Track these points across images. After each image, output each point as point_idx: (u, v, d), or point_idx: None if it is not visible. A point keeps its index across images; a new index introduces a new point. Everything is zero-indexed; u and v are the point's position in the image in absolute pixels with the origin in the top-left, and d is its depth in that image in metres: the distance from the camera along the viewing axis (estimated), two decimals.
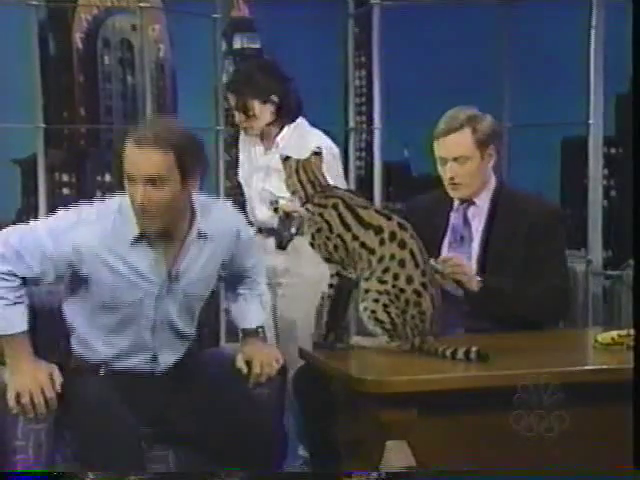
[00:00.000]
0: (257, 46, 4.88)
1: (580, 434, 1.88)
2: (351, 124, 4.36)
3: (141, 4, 4.12)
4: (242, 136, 2.93)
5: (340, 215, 2.09)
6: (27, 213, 4.80)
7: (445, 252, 2.36)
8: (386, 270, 2.06)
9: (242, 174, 2.94)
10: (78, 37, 5.08)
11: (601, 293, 3.56)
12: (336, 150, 2.85)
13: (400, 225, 2.09)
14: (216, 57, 4.24)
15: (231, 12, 4.72)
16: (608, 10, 3.45)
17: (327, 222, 2.09)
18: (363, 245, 2.07)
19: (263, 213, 2.79)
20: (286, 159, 2.21)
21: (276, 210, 2.71)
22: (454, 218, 2.38)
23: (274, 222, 2.74)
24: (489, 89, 3.81)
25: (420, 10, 4.19)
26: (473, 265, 2.32)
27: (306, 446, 2.52)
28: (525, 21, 3.80)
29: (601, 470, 1.86)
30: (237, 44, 4.89)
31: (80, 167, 5.28)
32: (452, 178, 2.32)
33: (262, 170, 2.82)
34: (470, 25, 4.02)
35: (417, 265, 2.07)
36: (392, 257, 2.05)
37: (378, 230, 2.06)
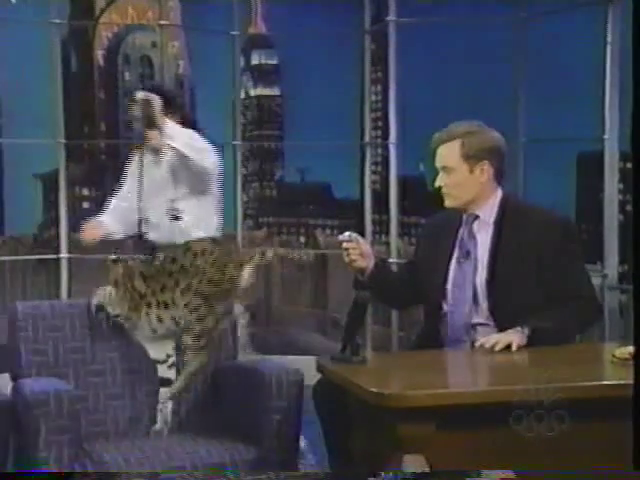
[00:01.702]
0: (275, 62, 4.94)
1: (596, 447, 1.88)
2: (367, 139, 4.40)
3: (161, 22, 4.20)
4: (133, 151, 2.95)
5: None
6: (48, 226, 4.87)
7: (453, 267, 2.38)
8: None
9: (129, 188, 2.95)
10: (99, 54, 5.15)
11: (617, 307, 3.55)
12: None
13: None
14: (234, 73, 4.31)
15: (248, 29, 4.79)
16: (624, 26, 3.47)
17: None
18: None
19: (157, 218, 2.85)
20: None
21: (176, 218, 2.81)
22: (461, 233, 2.41)
23: (174, 233, 2.80)
24: (505, 104, 3.83)
25: (435, 26, 4.23)
26: (482, 278, 2.34)
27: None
28: (541, 37, 3.82)
29: (601, 470, 1.85)
30: (255, 60, 4.95)
31: (100, 181, 5.34)
32: (440, 187, 2.38)
33: (156, 181, 2.87)
34: (485, 41, 4.05)
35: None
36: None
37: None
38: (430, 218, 2.62)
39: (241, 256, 2.32)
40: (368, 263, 2.35)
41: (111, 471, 2.15)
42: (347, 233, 2.36)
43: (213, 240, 2.38)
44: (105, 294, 2.41)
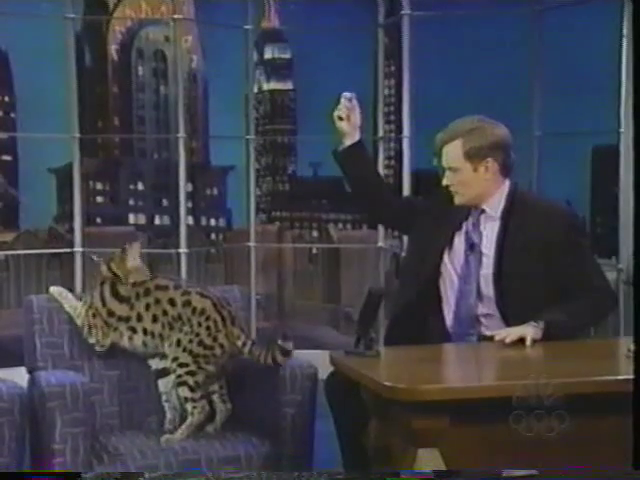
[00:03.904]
0: (288, 56, 4.94)
1: (611, 441, 1.88)
2: (380, 133, 4.39)
3: (174, 16, 4.20)
4: None
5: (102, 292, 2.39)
6: (62, 220, 4.90)
7: (460, 259, 2.38)
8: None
9: None
10: (113, 49, 5.18)
11: (633, 302, 3.53)
12: None
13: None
14: (247, 67, 4.31)
15: (262, 23, 4.79)
16: None
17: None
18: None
19: None
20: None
21: None
22: (467, 225, 2.40)
23: None
24: (519, 98, 3.81)
25: (449, 20, 4.21)
26: (488, 270, 2.33)
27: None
28: (556, 30, 3.80)
29: (600, 470, 1.85)
30: (268, 54, 4.96)
31: (114, 175, 5.37)
32: (448, 185, 2.37)
33: None
34: (500, 34, 4.03)
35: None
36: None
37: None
38: (431, 197, 2.53)
39: (233, 330, 2.35)
40: (351, 132, 2.42)
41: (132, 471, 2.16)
42: (353, 94, 2.42)
43: (214, 304, 2.35)
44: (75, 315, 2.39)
